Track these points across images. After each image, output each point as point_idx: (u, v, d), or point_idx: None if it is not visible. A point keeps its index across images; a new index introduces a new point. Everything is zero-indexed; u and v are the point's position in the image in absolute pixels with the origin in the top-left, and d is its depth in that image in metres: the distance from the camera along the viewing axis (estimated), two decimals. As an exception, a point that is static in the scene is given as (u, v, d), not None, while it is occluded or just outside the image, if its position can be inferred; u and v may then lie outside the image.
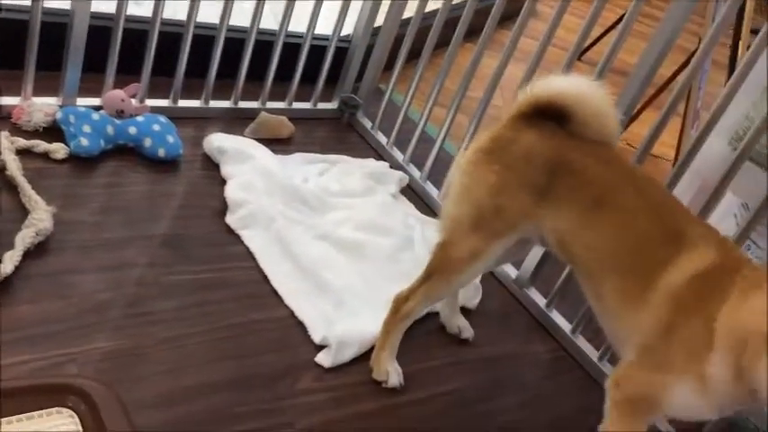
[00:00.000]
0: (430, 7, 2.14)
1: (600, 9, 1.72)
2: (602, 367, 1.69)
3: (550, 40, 1.81)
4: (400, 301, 1.45)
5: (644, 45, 1.65)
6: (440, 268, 1.42)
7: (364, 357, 1.51)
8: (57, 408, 1.18)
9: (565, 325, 1.78)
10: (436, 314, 1.67)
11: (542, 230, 1.37)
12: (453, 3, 2.07)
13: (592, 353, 1.72)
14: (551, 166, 1.34)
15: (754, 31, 1.68)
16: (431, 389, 1.52)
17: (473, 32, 2.06)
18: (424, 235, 1.89)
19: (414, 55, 2.18)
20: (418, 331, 1.62)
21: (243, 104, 2.16)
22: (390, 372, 1.47)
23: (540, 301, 1.83)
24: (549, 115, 1.35)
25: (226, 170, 1.88)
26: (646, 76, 1.65)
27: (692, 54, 1.79)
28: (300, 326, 1.54)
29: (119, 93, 1.89)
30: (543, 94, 1.35)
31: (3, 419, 1.13)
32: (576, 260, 1.35)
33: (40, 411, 1.16)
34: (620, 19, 1.73)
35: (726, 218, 1.96)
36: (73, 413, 1.18)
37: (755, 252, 1.85)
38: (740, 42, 2.26)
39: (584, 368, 1.71)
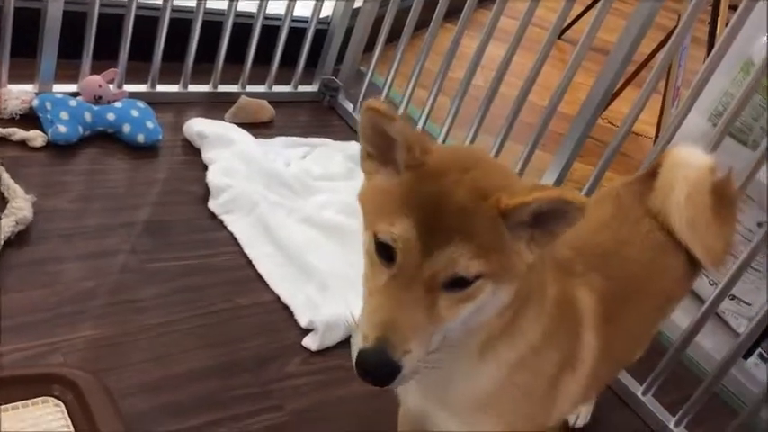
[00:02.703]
0: (409, -12, 2.12)
1: (579, -13, 1.72)
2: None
3: (530, 20, 1.81)
4: None
5: (623, 23, 1.65)
6: None
7: (350, 340, 1.51)
8: (42, 397, 1.17)
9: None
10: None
11: None
12: (432, -17, 2.06)
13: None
14: None
15: (733, 8, 1.69)
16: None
17: (453, 13, 2.05)
18: (408, 217, 1.89)
19: (393, 36, 2.17)
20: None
21: (222, 88, 2.14)
22: None
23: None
24: None
25: (207, 155, 1.86)
26: (626, 54, 1.66)
27: (672, 31, 1.79)
28: (286, 310, 1.53)
29: (96, 78, 1.87)
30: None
31: (-12, 410, 1.13)
32: None
33: (26, 401, 1.16)
34: (600, -3, 1.72)
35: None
36: (59, 402, 1.17)
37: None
38: (719, 19, 2.27)
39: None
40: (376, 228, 0.83)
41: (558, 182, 1.80)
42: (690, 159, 1.22)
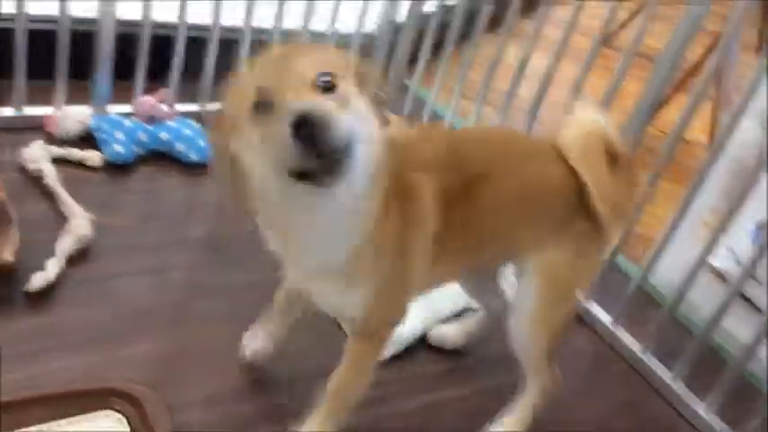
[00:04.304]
0: (450, 1, 2.13)
1: (624, -6, 1.71)
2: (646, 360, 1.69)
3: (574, 28, 1.80)
4: None
5: (669, 28, 1.63)
6: None
7: (407, 353, 1.50)
8: (104, 411, 1.20)
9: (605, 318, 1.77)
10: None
11: None
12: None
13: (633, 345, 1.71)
14: None
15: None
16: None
17: (495, 23, 2.05)
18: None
19: (436, 49, 2.18)
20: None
21: (269, 105, 2.17)
22: None
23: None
24: None
25: (257, 171, 1.88)
26: (673, 60, 1.64)
27: (719, 36, 1.77)
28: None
29: (149, 99, 1.91)
30: None
31: (53, 422, 1.16)
32: None
33: (87, 415, 1.19)
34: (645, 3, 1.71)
35: (762, 200, 1.93)
36: (121, 416, 1.20)
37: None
38: (768, 22, 2.23)
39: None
40: None
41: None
42: (586, 119, 1.28)
